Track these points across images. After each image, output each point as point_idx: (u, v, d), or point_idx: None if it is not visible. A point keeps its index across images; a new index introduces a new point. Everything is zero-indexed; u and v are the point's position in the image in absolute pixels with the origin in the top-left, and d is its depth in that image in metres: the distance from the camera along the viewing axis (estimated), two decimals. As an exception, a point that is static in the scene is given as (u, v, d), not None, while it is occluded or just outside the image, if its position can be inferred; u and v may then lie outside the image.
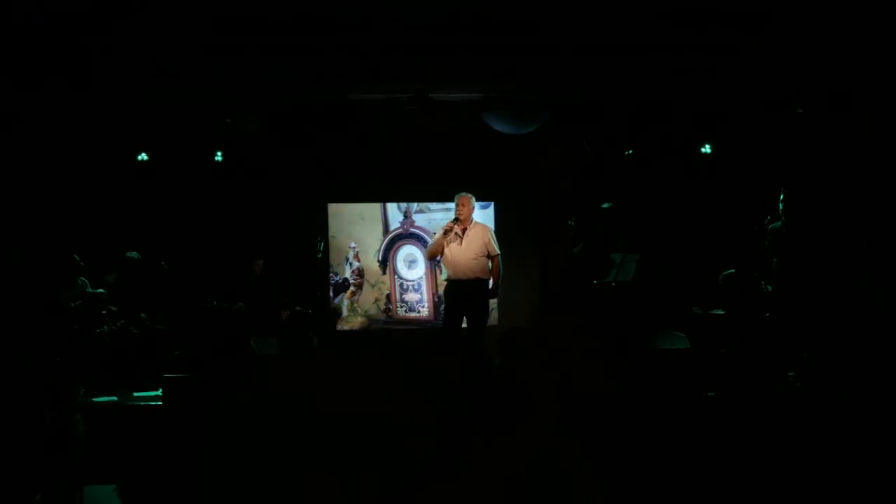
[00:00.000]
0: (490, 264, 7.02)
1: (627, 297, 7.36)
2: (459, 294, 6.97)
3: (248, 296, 8.19)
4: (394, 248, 9.30)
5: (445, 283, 7.17)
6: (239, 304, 8.05)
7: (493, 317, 9.26)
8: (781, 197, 6.90)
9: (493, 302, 9.27)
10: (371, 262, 9.33)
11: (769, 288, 7.14)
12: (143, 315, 7.25)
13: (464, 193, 7.07)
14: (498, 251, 7.08)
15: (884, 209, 7.04)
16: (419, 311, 9.26)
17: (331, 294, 9.27)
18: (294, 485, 4.14)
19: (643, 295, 7.43)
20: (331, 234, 9.29)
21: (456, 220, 6.98)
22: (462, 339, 7.00)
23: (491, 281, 7.05)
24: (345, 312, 9.32)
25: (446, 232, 6.95)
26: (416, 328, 9.16)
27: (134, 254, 7.80)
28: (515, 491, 3.43)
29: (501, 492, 3.40)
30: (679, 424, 4.98)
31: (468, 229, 6.96)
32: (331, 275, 9.27)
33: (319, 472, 4.10)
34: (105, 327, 6.97)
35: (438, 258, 7.26)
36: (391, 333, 9.18)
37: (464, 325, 7.21)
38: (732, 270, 7.74)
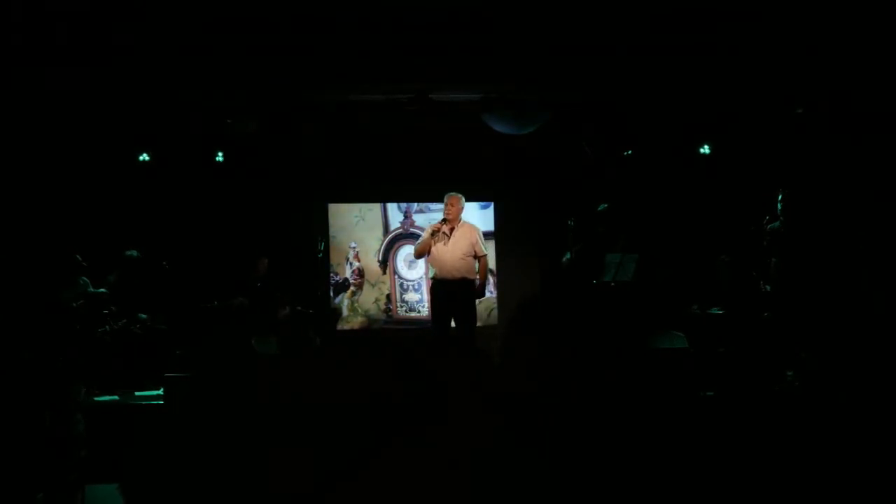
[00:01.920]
0: (477, 264, 6.98)
1: (627, 297, 7.37)
2: (445, 293, 6.92)
3: (250, 294, 8.21)
4: (394, 248, 9.32)
5: (431, 281, 7.10)
6: (240, 300, 8.06)
7: (493, 316, 9.30)
8: (780, 197, 6.91)
9: (493, 301, 9.31)
10: (371, 262, 9.35)
11: (768, 288, 7.16)
12: (140, 315, 7.25)
13: (453, 193, 7.01)
14: (485, 251, 7.04)
15: (883, 209, 7.05)
16: (419, 311, 9.28)
17: (331, 294, 9.29)
18: (293, 483, 4.16)
19: (642, 295, 7.43)
20: (331, 234, 9.32)
21: (444, 220, 6.94)
22: (454, 338, 6.96)
23: (477, 281, 7.01)
24: (345, 312, 9.34)
25: (434, 232, 6.92)
26: (417, 328, 9.18)
27: (133, 252, 7.81)
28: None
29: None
30: (678, 424, 4.99)
31: (456, 229, 6.91)
32: (331, 275, 9.29)
33: (318, 470, 4.12)
34: (107, 327, 6.99)
35: (425, 257, 7.19)
36: (391, 333, 9.21)
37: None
38: (724, 256, 7.78)
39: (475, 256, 6.95)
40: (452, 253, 6.86)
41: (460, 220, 6.99)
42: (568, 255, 7.93)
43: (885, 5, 6.13)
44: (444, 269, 6.89)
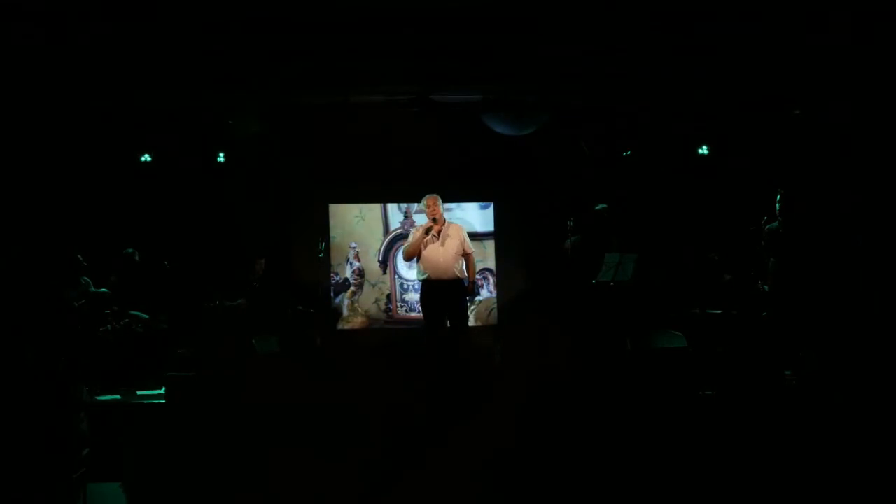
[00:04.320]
0: (464, 263, 6.98)
1: (626, 296, 7.40)
2: (439, 294, 6.88)
3: (250, 295, 8.24)
4: (394, 249, 9.35)
5: (422, 283, 7.04)
6: (240, 300, 8.09)
7: (493, 316, 9.33)
8: (778, 197, 6.94)
9: (493, 301, 9.34)
10: (371, 262, 9.38)
11: (766, 288, 7.19)
12: (139, 313, 7.27)
13: (431, 195, 7.00)
14: (472, 249, 7.06)
15: (880, 209, 7.09)
16: (419, 311, 9.29)
17: (331, 294, 9.32)
18: (293, 481, 4.19)
19: (641, 294, 7.46)
20: (331, 234, 9.35)
21: (434, 220, 6.91)
22: (447, 340, 6.93)
23: (467, 280, 6.99)
24: (345, 312, 9.36)
25: (427, 231, 6.89)
26: (416, 328, 9.20)
27: (129, 250, 7.86)
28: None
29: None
30: (677, 422, 5.03)
31: (443, 230, 6.92)
32: (331, 275, 9.32)
33: (318, 468, 4.16)
34: (108, 326, 7.02)
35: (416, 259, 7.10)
36: (391, 333, 9.23)
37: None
38: (713, 255, 7.81)
39: (463, 254, 6.96)
40: (446, 253, 6.85)
41: (444, 220, 7.00)
42: (569, 241, 7.97)
43: (882, 6, 6.16)
44: (437, 270, 6.86)
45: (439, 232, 6.88)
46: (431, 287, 6.92)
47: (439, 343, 6.90)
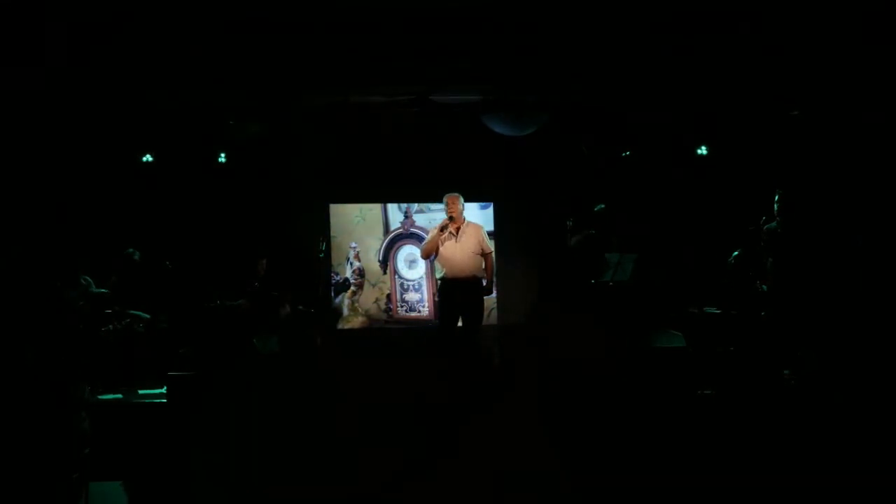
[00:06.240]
0: (483, 262, 7.04)
1: (625, 296, 7.42)
2: (455, 293, 6.95)
3: (251, 295, 8.25)
4: (394, 248, 9.36)
5: (440, 281, 7.13)
6: (240, 301, 8.11)
7: (493, 316, 9.33)
8: (777, 197, 6.95)
9: (493, 301, 9.35)
10: (372, 261, 9.40)
11: (764, 287, 7.19)
12: (139, 313, 7.29)
13: (452, 193, 7.05)
14: (491, 248, 7.13)
15: (879, 208, 7.10)
16: (419, 311, 9.32)
17: (331, 294, 9.33)
18: (294, 481, 4.21)
19: (640, 294, 7.48)
20: (332, 234, 9.36)
21: (451, 218, 6.99)
22: (460, 338, 7.00)
23: (485, 279, 7.07)
24: (345, 312, 9.38)
25: (443, 229, 6.96)
26: (417, 328, 9.22)
27: (130, 250, 7.88)
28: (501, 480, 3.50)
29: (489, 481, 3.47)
30: (676, 422, 5.04)
31: (461, 228, 6.98)
32: (332, 274, 9.33)
33: (319, 469, 4.18)
34: (110, 326, 7.03)
35: (433, 257, 7.20)
36: (391, 333, 9.25)
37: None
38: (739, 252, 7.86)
39: (482, 254, 7.01)
40: (462, 252, 6.92)
41: (464, 219, 7.05)
42: (574, 240, 7.99)
43: (880, 7, 6.17)
44: (454, 268, 6.93)
45: (457, 230, 6.93)
46: (449, 285, 7.00)
47: (452, 341, 6.96)
